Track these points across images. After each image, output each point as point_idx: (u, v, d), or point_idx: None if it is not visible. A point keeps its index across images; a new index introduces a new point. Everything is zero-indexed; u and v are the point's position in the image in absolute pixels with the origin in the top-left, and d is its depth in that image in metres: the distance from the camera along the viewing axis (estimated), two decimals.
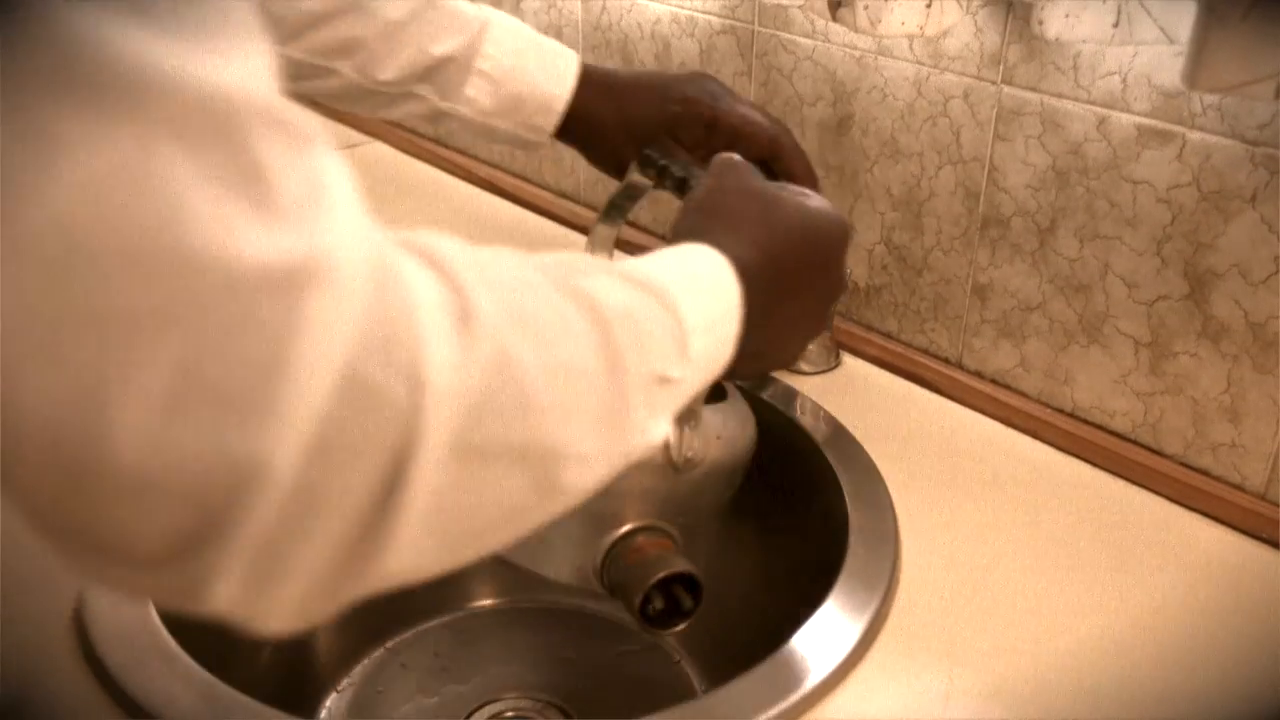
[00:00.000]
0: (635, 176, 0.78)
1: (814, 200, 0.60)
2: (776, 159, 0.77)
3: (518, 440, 0.37)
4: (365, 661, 0.90)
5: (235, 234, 0.29)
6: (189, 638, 0.65)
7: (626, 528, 0.65)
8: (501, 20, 0.80)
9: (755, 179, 0.61)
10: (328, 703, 0.86)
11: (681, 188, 0.74)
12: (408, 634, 0.92)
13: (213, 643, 0.72)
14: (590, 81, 0.80)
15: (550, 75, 0.80)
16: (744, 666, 0.63)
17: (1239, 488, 0.79)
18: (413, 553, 0.34)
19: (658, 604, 0.65)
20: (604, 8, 1.12)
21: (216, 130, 0.29)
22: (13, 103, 0.26)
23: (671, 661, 0.89)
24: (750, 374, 0.57)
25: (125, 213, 0.27)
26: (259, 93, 0.30)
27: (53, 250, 0.27)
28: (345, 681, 0.88)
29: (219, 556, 0.31)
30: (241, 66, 0.29)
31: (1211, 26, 0.59)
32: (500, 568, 0.97)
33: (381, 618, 0.92)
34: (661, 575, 0.64)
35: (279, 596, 0.32)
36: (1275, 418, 0.76)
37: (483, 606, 0.95)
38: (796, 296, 0.58)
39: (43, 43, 0.26)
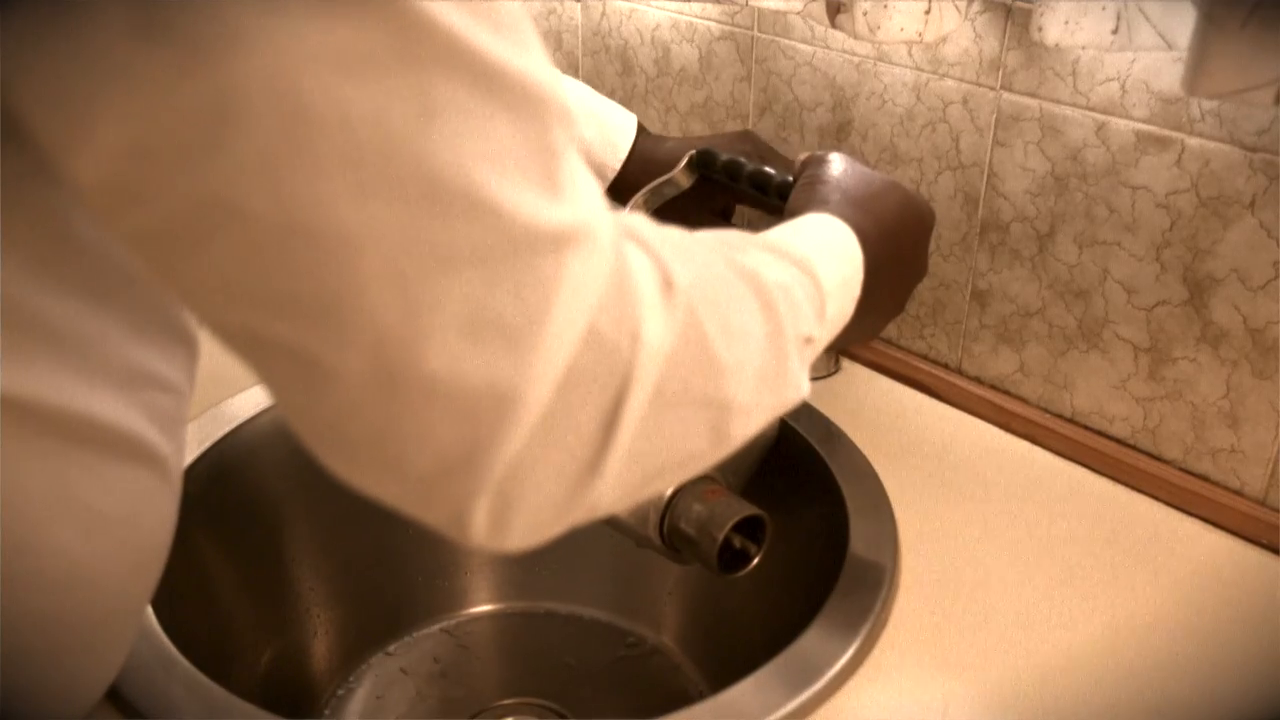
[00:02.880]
0: (680, 174, 0.83)
1: (909, 186, 0.66)
2: None
3: (699, 393, 0.42)
4: (364, 667, 0.90)
5: (530, 198, 0.35)
6: (189, 644, 0.65)
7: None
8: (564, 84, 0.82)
9: (858, 163, 0.69)
10: (327, 709, 0.86)
11: (756, 182, 0.78)
12: (407, 639, 0.92)
13: (212, 648, 0.72)
14: (640, 149, 0.87)
15: (606, 145, 0.86)
16: (743, 672, 0.63)
17: (1238, 493, 0.79)
18: (617, 484, 0.40)
19: (735, 544, 0.69)
20: (604, 13, 1.12)
21: (533, 110, 0.35)
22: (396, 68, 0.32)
23: (671, 666, 0.89)
24: (848, 341, 0.64)
25: (464, 155, 0.33)
26: (555, 87, 0.36)
27: (413, 189, 0.33)
28: (344, 687, 0.88)
29: (479, 475, 0.36)
30: (543, 63, 0.36)
31: (1211, 33, 0.59)
32: (499, 572, 0.97)
33: (381, 623, 0.92)
34: (738, 518, 0.68)
35: (518, 516, 0.38)
36: (1275, 423, 0.76)
37: (482, 611, 0.95)
38: (896, 270, 0.65)
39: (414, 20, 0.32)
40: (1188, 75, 0.61)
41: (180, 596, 0.68)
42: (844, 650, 0.65)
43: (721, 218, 0.90)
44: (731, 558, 0.70)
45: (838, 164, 0.69)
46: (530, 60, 0.35)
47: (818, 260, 0.54)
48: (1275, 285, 0.74)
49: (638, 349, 0.39)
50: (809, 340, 0.52)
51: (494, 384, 0.35)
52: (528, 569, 0.95)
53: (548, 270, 0.35)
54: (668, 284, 0.41)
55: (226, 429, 0.84)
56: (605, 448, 0.39)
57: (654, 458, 0.41)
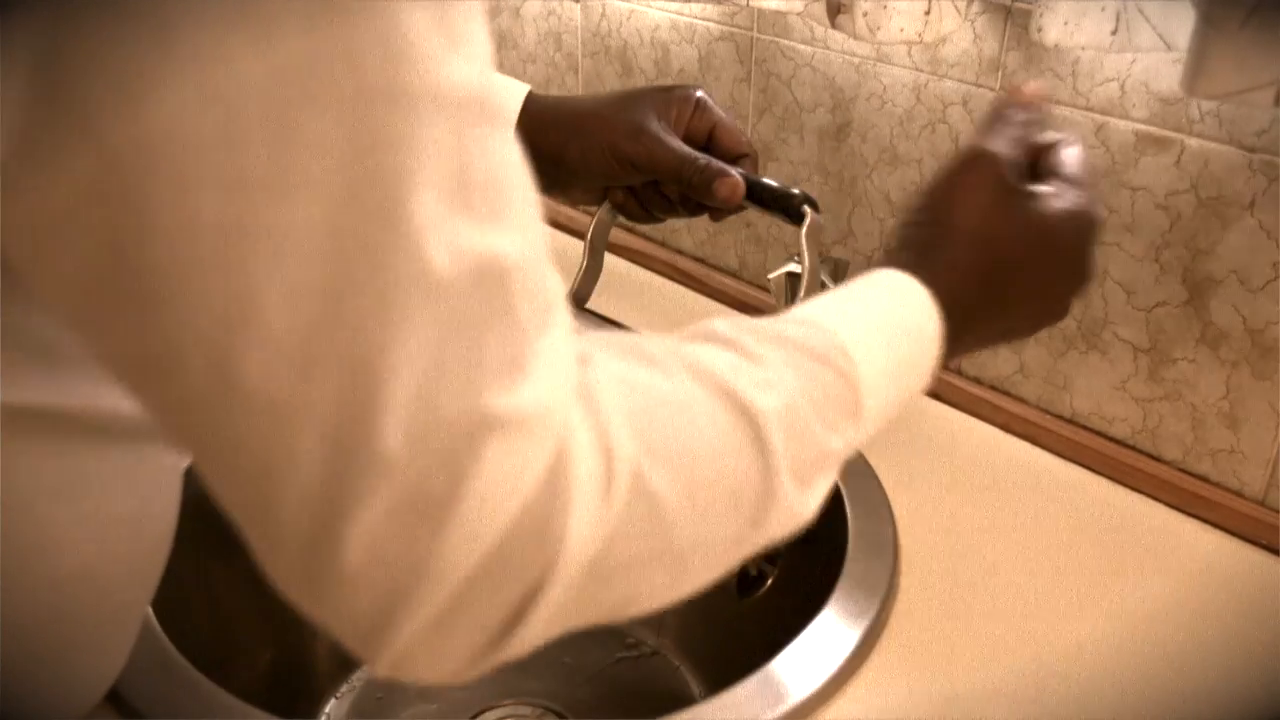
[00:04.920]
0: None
1: (1060, 201, 0.56)
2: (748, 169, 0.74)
3: (651, 552, 0.40)
4: (365, 668, 0.90)
5: (491, 380, 0.34)
6: (189, 644, 0.65)
7: None
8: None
9: (1006, 175, 0.56)
10: (328, 709, 0.86)
11: (781, 205, 0.73)
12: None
13: (213, 649, 0.72)
14: (533, 114, 0.73)
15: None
16: (743, 673, 0.63)
17: (1238, 494, 0.79)
18: (544, 635, 0.38)
19: (751, 570, 0.68)
20: (603, 14, 1.12)
21: (498, 289, 0.34)
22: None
23: (670, 668, 0.89)
24: (979, 349, 0.61)
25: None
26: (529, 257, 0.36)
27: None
28: (345, 687, 0.88)
29: (388, 640, 0.35)
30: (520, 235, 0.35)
31: (1210, 34, 0.59)
32: None
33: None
34: None
35: (427, 671, 0.37)
36: (1274, 424, 0.76)
37: None
38: (1032, 288, 0.57)
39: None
40: (1187, 76, 0.61)
41: (180, 596, 0.68)
42: (844, 651, 0.65)
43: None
44: (747, 580, 0.69)
45: (970, 175, 0.57)
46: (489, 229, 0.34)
47: (857, 346, 0.48)
48: (1275, 286, 0.74)
49: (560, 552, 0.36)
50: (824, 455, 0.46)
51: (411, 559, 0.34)
52: None
53: (465, 459, 0.34)
54: (608, 473, 0.38)
55: None
56: (519, 621, 0.37)
57: (593, 608, 0.40)
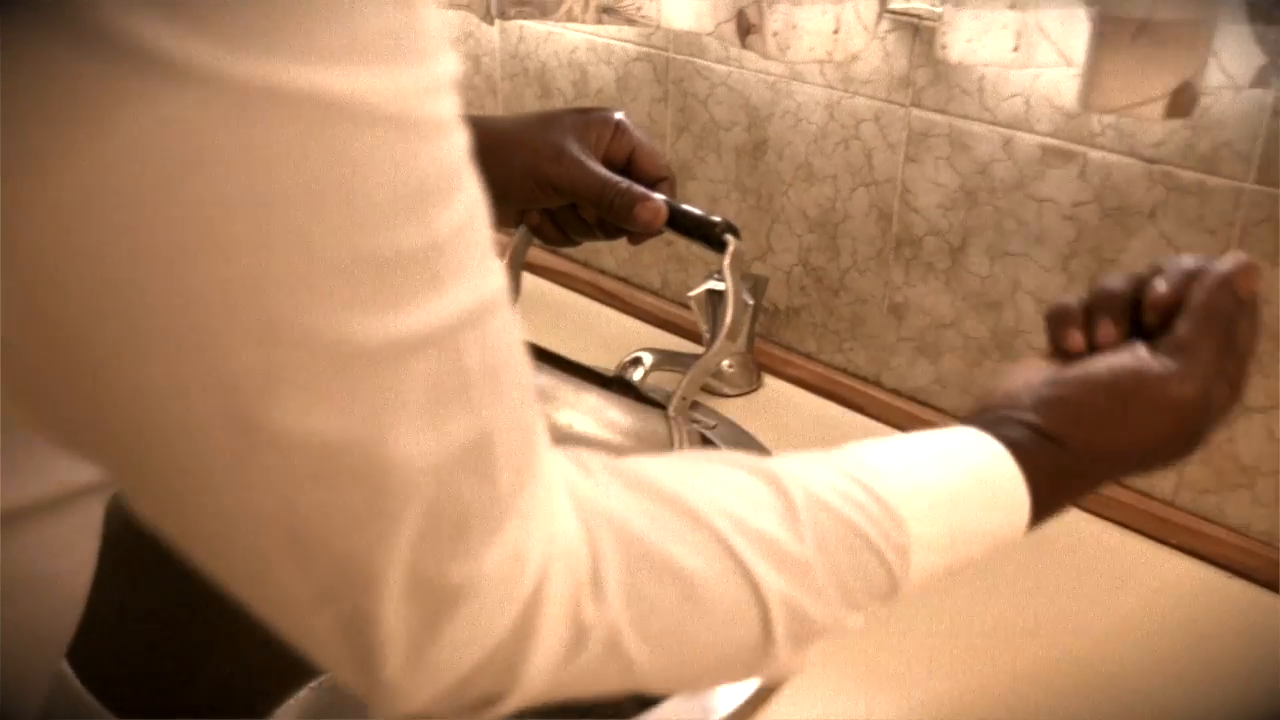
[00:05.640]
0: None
1: (1173, 389, 0.51)
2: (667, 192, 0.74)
3: (616, 684, 0.41)
4: (291, 702, 0.88)
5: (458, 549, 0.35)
6: (109, 691, 0.64)
7: None
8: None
9: (1133, 362, 0.52)
10: None
11: (703, 233, 0.73)
12: (299, 694, 0.90)
13: (135, 692, 0.70)
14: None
15: None
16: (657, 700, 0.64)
17: (1148, 495, 0.81)
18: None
19: None
20: (521, 37, 1.12)
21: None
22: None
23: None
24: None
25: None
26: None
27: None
28: (280, 710, 0.86)
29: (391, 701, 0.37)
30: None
31: (1102, 50, 0.61)
32: None
33: (278, 677, 0.89)
34: None
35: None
36: None
37: None
38: (1131, 458, 0.52)
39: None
40: (1082, 91, 0.63)
41: (98, 642, 0.66)
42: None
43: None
44: None
45: (1047, 375, 0.54)
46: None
47: (912, 511, 0.45)
48: None
49: (515, 686, 0.38)
50: (839, 629, 0.45)
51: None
52: None
53: (441, 619, 0.35)
54: (579, 633, 0.38)
55: None
56: (484, 711, 0.39)
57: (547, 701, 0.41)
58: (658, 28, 0.93)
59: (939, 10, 0.76)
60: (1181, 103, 0.61)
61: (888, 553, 0.45)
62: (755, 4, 0.81)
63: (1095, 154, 0.77)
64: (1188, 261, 0.54)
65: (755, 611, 0.42)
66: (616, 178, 0.71)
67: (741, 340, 0.94)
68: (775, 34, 0.80)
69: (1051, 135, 0.79)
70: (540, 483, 0.37)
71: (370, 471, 0.32)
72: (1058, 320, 0.56)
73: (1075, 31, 0.71)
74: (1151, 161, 0.75)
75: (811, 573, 0.43)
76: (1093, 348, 0.54)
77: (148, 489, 0.34)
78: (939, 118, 0.84)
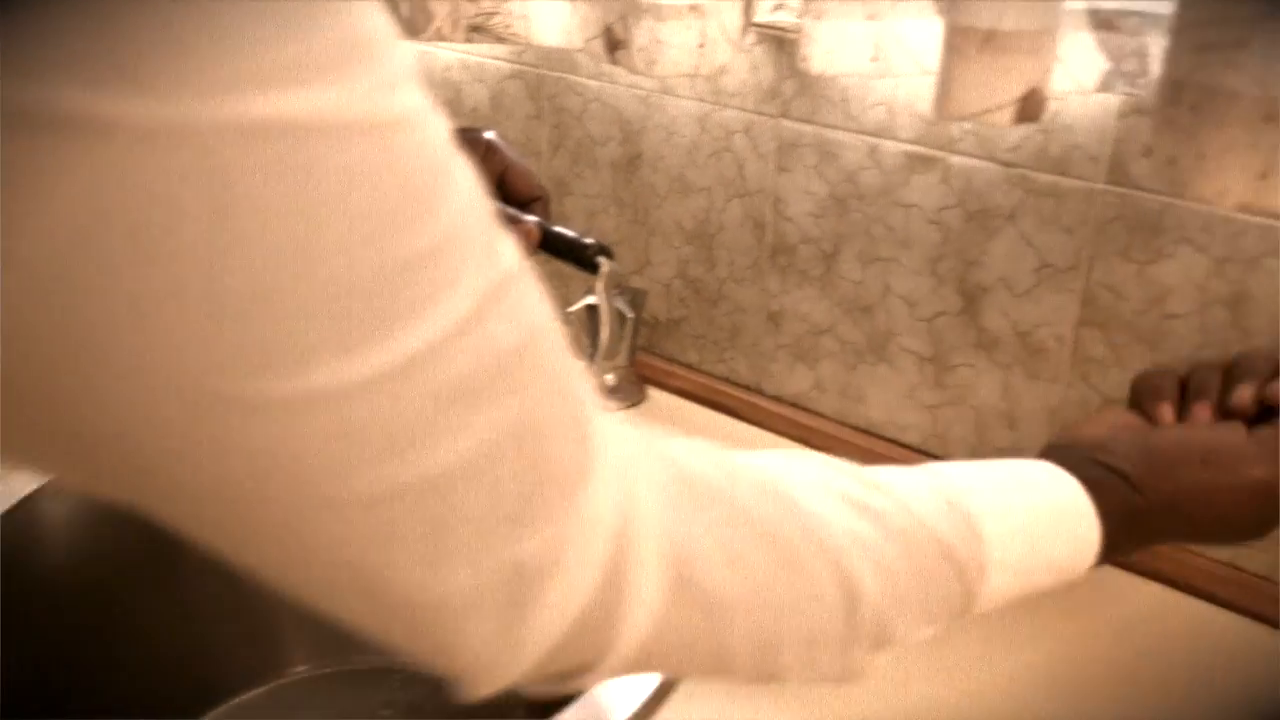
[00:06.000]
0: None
1: (1263, 472, 0.53)
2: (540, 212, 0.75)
3: (705, 653, 0.41)
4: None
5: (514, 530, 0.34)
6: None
7: None
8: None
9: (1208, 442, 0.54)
10: None
11: (575, 255, 0.73)
12: (222, 708, 0.89)
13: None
14: None
15: None
16: (567, 698, 0.63)
17: None
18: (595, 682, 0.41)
19: None
20: None
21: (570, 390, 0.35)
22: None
23: (499, 700, 0.88)
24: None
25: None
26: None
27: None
28: None
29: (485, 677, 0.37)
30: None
31: (952, 59, 0.63)
32: (317, 632, 0.94)
33: (192, 691, 0.88)
34: None
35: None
36: (1047, 422, 0.81)
37: (300, 673, 0.92)
38: (1199, 528, 0.54)
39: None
40: (936, 99, 0.65)
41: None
42: (651, 682, 0.66)
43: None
44: None
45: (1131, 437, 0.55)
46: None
47: (994, 531, 0.47)
48: (1038, 291, 0.79)
49: (608, 650, 0.39)
50: (912, 640, 0.46)
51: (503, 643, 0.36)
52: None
53: (529, 597, 0.35)
54: (671, 583, 0.39)
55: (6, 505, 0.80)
56: (577, 676, 0.40)
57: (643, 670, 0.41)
58: (528, 45, 0.93)
59: (802, 22, 0.77)
60: (1030, 108, 0.64)
61: (969, 569, 0.46)
62: (621, 20, 0.82)
63: (956, 159, 0.79)
64: None
65: (843, 602, 0.43)
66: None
67: (622, 355, 0.94)
68: (641, 49, 0.81)
69: (914, 142, 0.81)
70: (603, 444, 0.37)
71: (422, 490, 0.31)
72: (1149, 392, 0.58)
73: (931, 40, 0.73)
74: (1008, 165, 0.77)
75: (899, 579, 0.44)
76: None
77: (219, 536, 0.32)
78: (807, 128, 0.86)
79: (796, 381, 0.93)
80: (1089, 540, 0.50)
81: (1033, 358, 0.80)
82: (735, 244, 0.93)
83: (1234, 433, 0.54)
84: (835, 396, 0.91)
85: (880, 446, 0.89)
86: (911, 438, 0.88)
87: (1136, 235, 0.74)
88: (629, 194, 0.98)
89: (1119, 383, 0.77)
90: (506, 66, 1.03)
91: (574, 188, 1.02)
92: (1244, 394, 0.55)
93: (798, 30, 0.80)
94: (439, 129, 0.30)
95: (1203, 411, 0.56)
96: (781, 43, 0.85)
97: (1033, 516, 0.49)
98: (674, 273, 0.98)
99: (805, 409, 0.93)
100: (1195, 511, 0.52)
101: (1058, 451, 0.53)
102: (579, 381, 0.36)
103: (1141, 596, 0.76)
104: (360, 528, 0.31)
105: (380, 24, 0.28)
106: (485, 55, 1.04)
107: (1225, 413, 0.56)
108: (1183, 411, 0.57)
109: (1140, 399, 0.58)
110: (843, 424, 0.91)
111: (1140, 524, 0.52)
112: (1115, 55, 0.70)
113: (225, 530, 0.31)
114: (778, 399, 0.95)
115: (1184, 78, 0.54)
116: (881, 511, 0.44)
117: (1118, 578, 0.77)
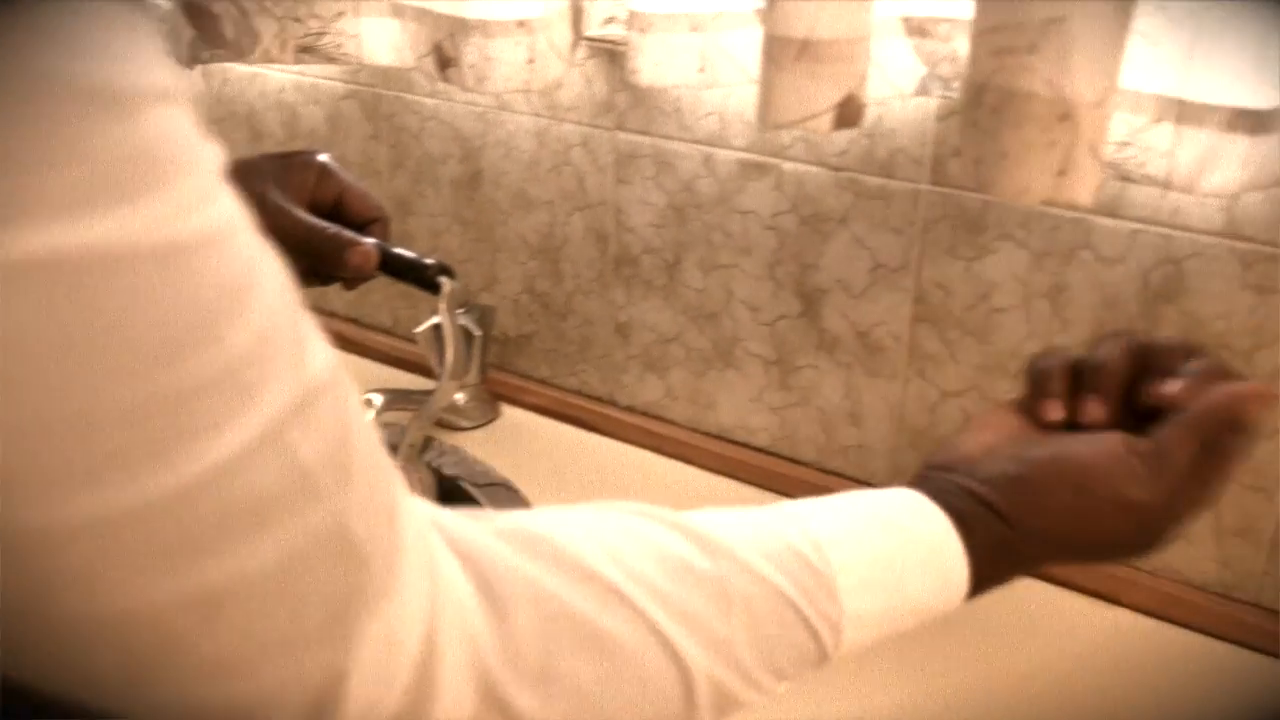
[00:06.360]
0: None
1: (1139, 493, 0.49)
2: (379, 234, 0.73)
3: None
4: None
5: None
6: None
7: None
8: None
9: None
10: None
11: (416, 275, 0.72)
12: None
13: None
14: None
15: None
16: None
17: (867, 484, 0.85)
18: None
19: None
20: (225, 80, 1.09)
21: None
22: None
23: None
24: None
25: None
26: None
27: None
28: None
29: None
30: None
31: (770, 69, 0.64)
32: None
33: None
34: None
35: None
36: (889, 417, 0.83)
37: None
38: (1107, 537, 0.51)
39: None
40: (758, 108, 0.66)
41: None
42: None
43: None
44: None
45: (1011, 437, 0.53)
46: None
47: (848, 583, 0.45)
48: (873, 290, 0.81)
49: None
50: (764, 694, 0.44)
51: None
52: None
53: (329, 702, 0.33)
54: (486, 697, 0.37)
55: None
56: None
57: None
58: (361, 65, 0.92)
59: (629, 35, 0.78)
60: (848, 114, 0.65)
61: (819, 626, 0.44)
62: (450, 37, 0.81)
63: (788, 165, 0.81)
64: (1206, 363, 0.52)
65: (679, 683, 0.41)
66: (323, 223, 0.70)
67: (473, 374, 0.94)
68: (471, 66, 0.80)
69: (747, 150, 0.82)
70: (412, 548, 0.35)
71: (215, 603, 0.29)
72: (1039, 383, 0.54)
73: (755, 50, 0.75)
74: (838, 170, 0.79)
75: (737, 649, 0.42)
76: (1072, 419, 0.53)
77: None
78: (643, 139, 0.87)
79: (648, 391, 0.94)
80: (956, 578, 0.48)
81: (872, 356, 0.82)
82: (580, 257, 0.93)
83: (1110, 452, 0.50)
84: (686, 404, 0.92)
85: (731, 450, 0.90)
86: (762, 440, 0.89)
87: (961, 233, 0.76)
88: (472, 211, 0.98)
89: (954, 376, 0.79)
90: (341, 87, 1.01)
91: (416, 207, 1.01)
92: (1149, 396, 0.52)
93: (628, 43, 0.81)
94: (244, 237, 0.29)
95: (1093, 412, 0.52)
96: (614, 56, 0.86)
97: (891, 560, 0.46)
98: (521, 288, 0.98)
99: (658, 418, 0.94)
100: (1071, 537, 0.50)
101: (930, 479, 0.51)
102: (389, 485, 0.35)
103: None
104: (151, 639, 0.29)
105: (180, 133, 0.26)
106: (319, 76, 1.02)
107: (1118, 406, 0.53)
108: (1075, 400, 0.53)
109: (1030, 390, 0.55)
110: (695, 430, 0.92)
111: (1011, 555, 0.49)
112: (930, 60, 0.72)
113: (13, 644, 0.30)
114: (631, 409, 0.95)
115: (984, 81, 0.56)
116: (714, 577, 0.42)
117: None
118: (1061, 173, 0.55)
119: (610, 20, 0.86)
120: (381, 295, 1.07)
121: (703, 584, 0.42)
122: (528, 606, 0.39)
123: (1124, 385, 0.53)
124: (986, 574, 0.48)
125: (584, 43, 0.86)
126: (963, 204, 0.76)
